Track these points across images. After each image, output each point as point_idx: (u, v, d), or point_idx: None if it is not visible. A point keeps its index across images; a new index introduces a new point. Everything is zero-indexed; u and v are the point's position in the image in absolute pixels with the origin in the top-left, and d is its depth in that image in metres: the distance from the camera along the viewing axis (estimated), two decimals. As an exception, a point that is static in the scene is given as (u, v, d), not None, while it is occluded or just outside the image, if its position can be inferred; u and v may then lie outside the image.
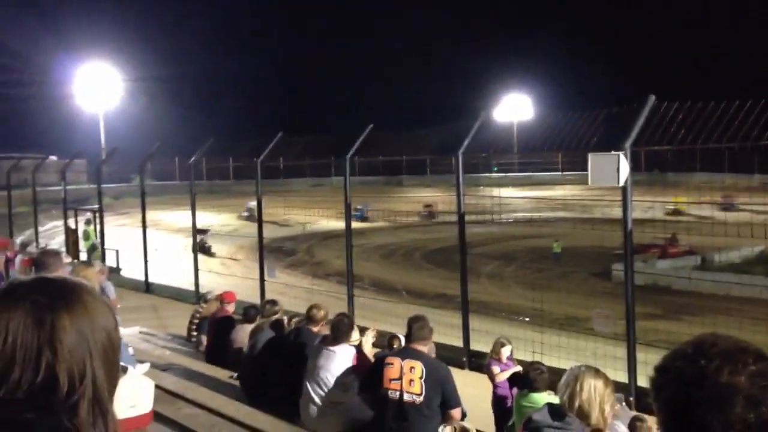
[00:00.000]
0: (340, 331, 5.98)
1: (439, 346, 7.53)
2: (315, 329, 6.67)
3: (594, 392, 3.22)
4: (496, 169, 45.24)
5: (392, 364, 5.34)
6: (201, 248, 22.84)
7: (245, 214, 32.48)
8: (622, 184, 7.76)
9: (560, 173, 46.42)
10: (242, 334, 8.37)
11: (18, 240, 16.81)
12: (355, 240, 11.94)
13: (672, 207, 34.72)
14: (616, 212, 8.55)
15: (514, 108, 56.62)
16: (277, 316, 7.81)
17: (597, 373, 3.31)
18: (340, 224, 12.97)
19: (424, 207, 37.77)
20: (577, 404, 3.22)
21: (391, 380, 5.28)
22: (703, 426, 1.34)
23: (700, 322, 10.40)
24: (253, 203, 32.06)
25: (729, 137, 7.42)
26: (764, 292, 15.53)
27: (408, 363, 5.30)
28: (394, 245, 29.86)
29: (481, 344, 9.22)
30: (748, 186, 36.05)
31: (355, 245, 11.75)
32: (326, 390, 5.81)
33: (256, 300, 11.68)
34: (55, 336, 1.24)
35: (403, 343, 6.27)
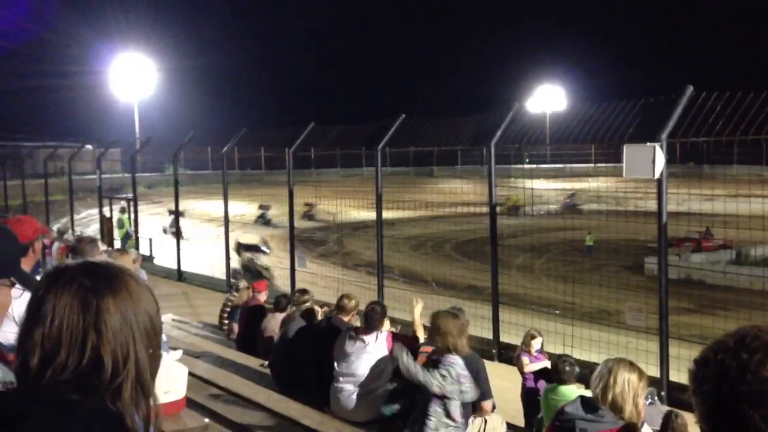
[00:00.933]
0: (372, 319, 6.00)
1: (470, 338, 7.52)
2: (345, 319, 6.71)
3: (628, 385, 3.19)
4: (528, 160, 44.87)
5: (426, 353, 5.36)
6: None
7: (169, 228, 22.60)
8: (657, 176, 7.66)
9: (593, 165, 45.98)
10: (273, 323, 8.45)
11: (55, 227, 17.14)
12: (386, 231, 11.96)
13: (509, 203, 33.93)
14: (651, 205, 8.44)
15: (548, 99, 56.13)
16: (307, 306, 7.86)
17: (631, 366, 3.28)
18: (369, 215, 12.98)
19: (305, 204, 31.77)
20: (610, 397, 3.20)
21: None
22: (745, 420, 1.32)
23: (735, 317, 10.21)
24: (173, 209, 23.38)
25: (768, 129, 7.26)
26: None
27: None
28: (425, 236, 29.80)
29: (511, 336, 9.19)
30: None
31: (385, 236, 11.77)
32: (357, 378, 5.84)
33: (287, 289, 11.77)
34: (100, 319, 1.27)
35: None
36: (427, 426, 4.84)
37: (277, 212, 27.36)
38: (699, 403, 1.45)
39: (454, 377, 4.81)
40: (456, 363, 4.87)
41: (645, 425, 3.49)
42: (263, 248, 17.57)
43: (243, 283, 10.68)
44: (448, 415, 4.84)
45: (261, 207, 25.69)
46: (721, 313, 11.91)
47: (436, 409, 4.83)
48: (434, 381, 4.80)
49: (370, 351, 5.87)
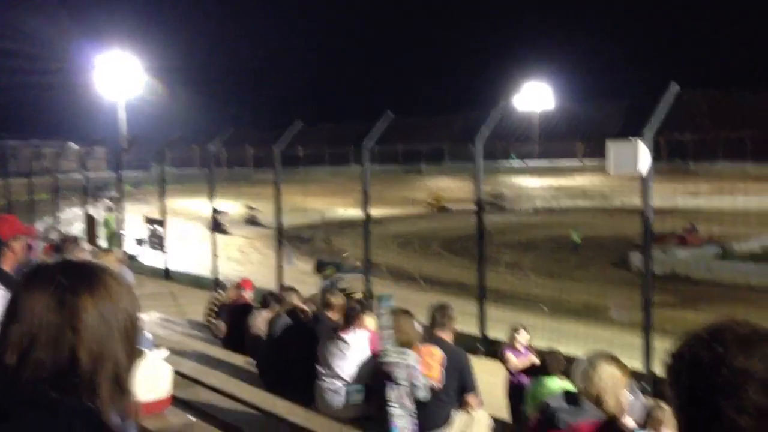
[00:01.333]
0: (351, 317, 6.00)
1: (456, 334, 7.55)
2: (333, 316, 6.70)
3: (610, 379, 3.22)
4: (514, 156, 44.93)
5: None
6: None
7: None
8: (643, 173, 7.71)
9: (580, 162, 46.16)
10: (260, 321, 8.42)
11: (39, 227, 17.03)
12: (373, 228, 11.97)
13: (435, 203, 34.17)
14: (637, 201, 8.50)
15: (535, 96, 56.33)
16: (295, 304, 7.85)
17: (613, 359, 3.31)
18: (358, 213, 12.97)
19: (248, 208, 28.51)
20: (592, 390, 3.22)
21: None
22: (718, 411, 1.34)
23: (719, 312, 10.32)
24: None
25: (752, 125, 7.35)
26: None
27: (429, 349, 5.35)
28: (412, 233, 29.85)
29: (497, 332, 9.22)
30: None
31: (372, 233, 11.78)
32: (340, 376, 5.81)
33: (273, 287, 11.73)
34: (77, 318, 1.27)
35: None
36: (390, 413, 4.95)
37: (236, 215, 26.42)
38: (675, 395, 1.47)
39: (403, 366, 4.97)
40: (408, 355, 5.03)
41: (628, 418, 3.51)
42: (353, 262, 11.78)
43: (230, 282, 10.65)
44: (401, 400, 4.91)
45: (215, 212, 24.07)
46: (706, 308, 12.04)
47: (390, 392, 4.95)
48: (392, 348, 5.05)
49: (351, 349, 5.84)
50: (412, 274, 20.56)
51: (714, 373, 1.35)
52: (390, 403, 4.94)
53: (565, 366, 5.75)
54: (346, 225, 27.44)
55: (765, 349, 1.35)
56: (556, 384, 5.33)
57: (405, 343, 5.14)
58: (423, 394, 4.99)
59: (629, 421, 3.43)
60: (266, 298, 9.05)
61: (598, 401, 3.21)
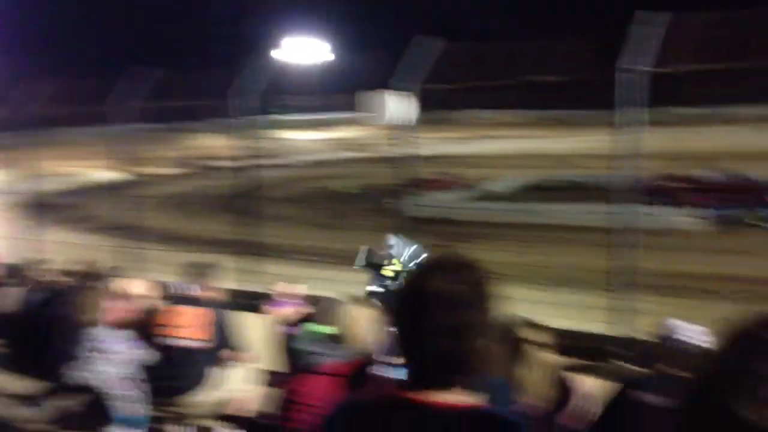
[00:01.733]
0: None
1: (228, 291, 7.49)
2: (91, 288, 6.30)
3: (358, 319, 3.36)
4: (277, 110, 44.77)
5: (175, 310, 5.24)
6: None
7: None
8: (407, 122, 8.11)
9: (347, 114, 47.24)
10: (7, 298, 7.71)
11: None
12: (142, 190, 11.43)
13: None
14: (401, 150, 8.91)
15: (302, 49, 56.31)
16: (47, 276, 7.30)
17: (359, 301, 3.46)
18: (115, 176, 12.29)
19: None
20: (345, 332, 3.35)
21: (175, 327, 5.19)
22: (415, 331, 1.47)
23: (476, 249, 11.20)
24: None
25: (510, 76, 8.04)
26: (532, 218, 17.05)
27: (193, 309, 5.24)
28: (185, 194, 28.97)
29: (267, 286, 9.28)
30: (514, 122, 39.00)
31: (142, 195, 11.26)
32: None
33: (24, 260, 10.81)
34: None
35: (183, 290, 6.12)
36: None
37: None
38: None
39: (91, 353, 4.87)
40: (95, 337, 4.93)
41: (382, 355, 3.69)
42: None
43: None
44: (117, 387, 4.81)
45: None
46: (463, 246, 12.99)
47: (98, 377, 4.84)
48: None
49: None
50: (185, 235, 19.99)
51: (416, 297, 1.49)
52: (105, 396, 4.71)
53: (330, 311, 5.92)
54: (103, 188, 25.90)
55: (456, 272, 1.50)
56: (320, 329, 5.47)
57: (116, 323, 4.89)
58: (120, 370, 4.81)
59: (383, 358, 3.60)
60: (14, 272, 8.31)
61: (350, 341, 3.34)
